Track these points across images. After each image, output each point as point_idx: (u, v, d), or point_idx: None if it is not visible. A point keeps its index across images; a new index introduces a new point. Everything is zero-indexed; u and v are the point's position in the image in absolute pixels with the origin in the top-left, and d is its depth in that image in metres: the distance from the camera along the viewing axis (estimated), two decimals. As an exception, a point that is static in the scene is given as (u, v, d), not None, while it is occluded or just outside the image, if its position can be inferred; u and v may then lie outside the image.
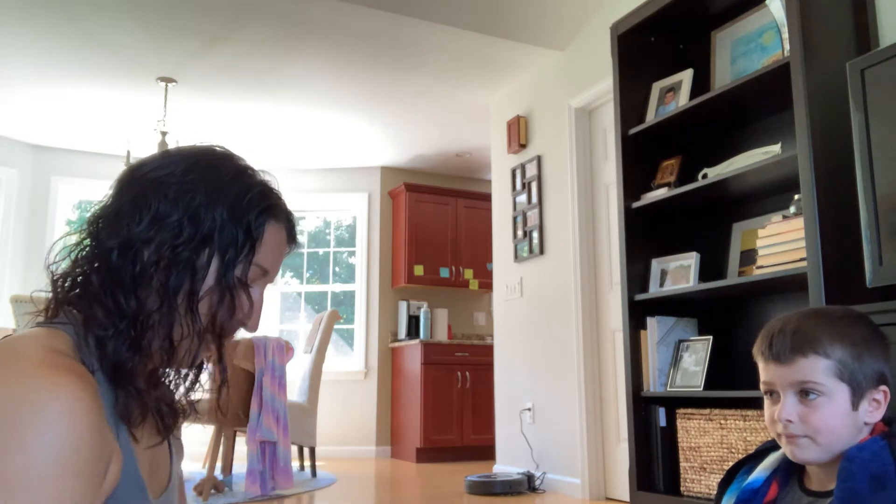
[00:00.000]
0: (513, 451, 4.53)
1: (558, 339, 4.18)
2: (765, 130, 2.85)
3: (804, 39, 2.33)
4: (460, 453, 5.87)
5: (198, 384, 0.92)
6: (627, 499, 3.01)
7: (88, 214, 0.86)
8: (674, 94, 3.03)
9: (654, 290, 2.95)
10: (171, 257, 0.82)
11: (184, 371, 0.90)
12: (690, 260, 2.88)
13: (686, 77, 3.01)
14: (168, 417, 0.90)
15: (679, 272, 2.91)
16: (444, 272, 6.46)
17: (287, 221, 0.93)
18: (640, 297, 2.96)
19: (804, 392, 1.14)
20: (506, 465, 4.57)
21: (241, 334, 4.22)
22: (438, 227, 6.51)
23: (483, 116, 5.37)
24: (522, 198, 4.66)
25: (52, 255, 0.85)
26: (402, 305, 6.41)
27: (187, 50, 4.35)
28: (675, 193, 2.85)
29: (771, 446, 1.26)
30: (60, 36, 4.16)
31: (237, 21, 4.02)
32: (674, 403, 2.85)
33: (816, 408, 1.13)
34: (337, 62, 4.52)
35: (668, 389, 2.85)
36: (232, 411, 4.02)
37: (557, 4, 4.05)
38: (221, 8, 3.89)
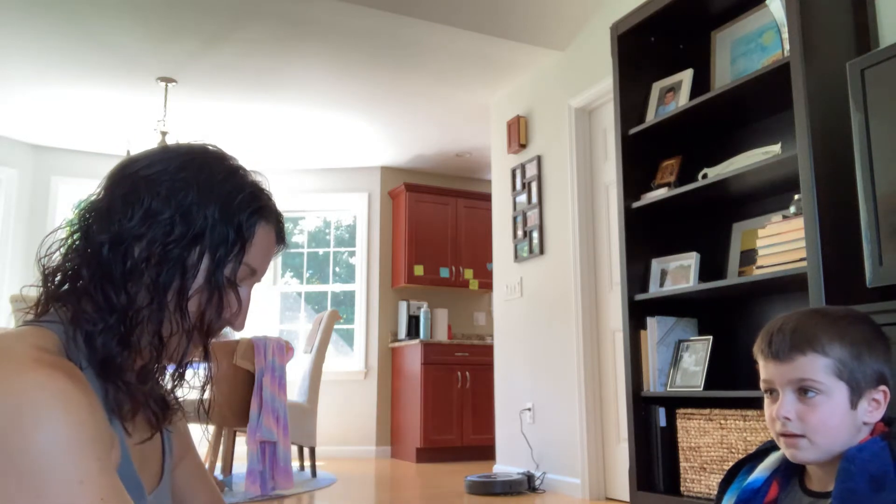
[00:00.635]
0: (513, 451, 4.53)
1: (558, 339, 4.18)
2: (765, 130, 2.85)
3: (804, 39, 2.33)
4: (460, 453, 5.87)
5: (184, 381, 0.92)
6: (627, 499, 3.01)
7: (79, 209, 0.87)
8: (674, 94, 3.03)
9: (654, 290, 2.95)
10: (162, 254, 0.82)
11: (172, 368, 0.90)
12: (690, 260, 2.88)
13: (686, 77, 3.01)
14: (158, 413, 0.91)
15: (679, 272, 2.91)
16: (444, 272, 6.46)
17: (277, 222, 0.94)
18: (640, 297, 2.95)
19: (803, 390, 1.14)
20: (506, 465, 4.57)
21: (240, 334, 4.20)
22: (438, 227, 6.51)
23: (483, 116, 5.37)
24: (522, 198, 4.66)
25: (43, 249, 0.85)
26: (402, 305, 6.41)
27: (187, 50, 4.35)
28: (675, 193, 2.85)
29: (771, 446, 1.26)
30: (60, 36, 4.16)
31: (237, 21, 4.02)
32: (674, 403, 2.85)
33: (815, 406, 1.13)
34: (337, 62, 4.52)
35: (668, 389, 2.85)
36: (219, 411, 4.01)
37: (557, 4, 4.05)
38: (221, 8, 3.89)
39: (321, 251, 6.92)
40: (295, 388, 5.08)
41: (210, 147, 0.92)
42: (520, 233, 4.64)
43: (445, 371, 5.91)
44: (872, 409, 1.15)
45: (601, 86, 3.94)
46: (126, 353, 0.82)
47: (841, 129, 2.26)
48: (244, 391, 4.07)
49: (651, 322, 2.92)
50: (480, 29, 4.15)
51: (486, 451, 5.66)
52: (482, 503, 3.80)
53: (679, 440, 2.77)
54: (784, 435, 1.16)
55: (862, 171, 2.07)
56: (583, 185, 4.12)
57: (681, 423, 2.76)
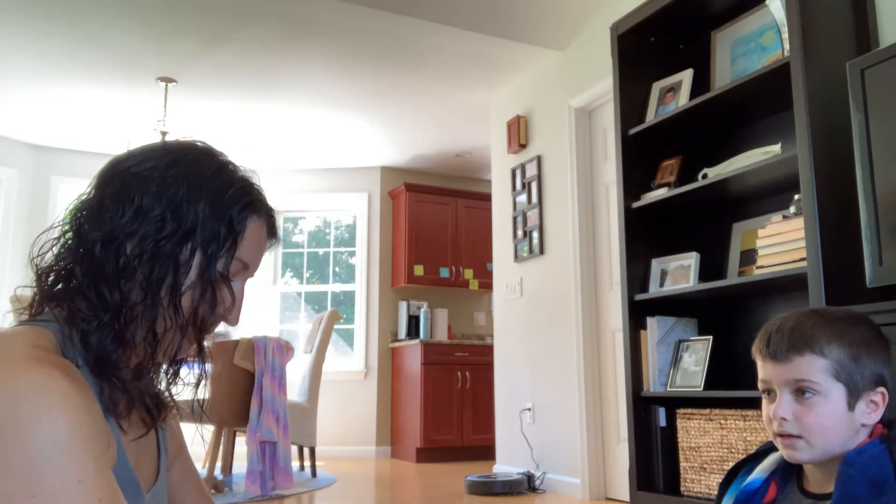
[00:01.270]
0: (513, 451, 4.53)
1: (558, 339, 4.18)
2: (765, 130, 2.85)
3: (804, 39, 2.33)
4: (460, 453, 5.87)
5: (178, 378, 0.93)
6: (627, 499, 3.01)
7: (70, 208, 0.87)
8: (674, 94, 3.03)
9: (654, 290, 2.95)
10: (154, 251, 0.83)
11: (166, 365, 0.90)
12: (690, 260, 2.88)
13: (686, 77, 3.01)
14: (153, 410, 0.91)
15: (679, 272, 2.91)
16: (444, 272, 6.46)
17: (268, 217, 0.94)
18: (640, 297, 2.95)
19: (800, 391, 1.13)
20: (506, 465, 4.57)
21: (240, 334, 4.20)
22: (438, 227, 6.51)
23: (483, 116, 5.37)
24: (522, 198, 4.66)
25: (35, 248, 0.85)
26: (402, 305, 6.41)
27: (187, 50, 4.35)
28: (675, 193, 2.85)
29: (770, 447, 1.26)
30: (60, 36, 4.16)
31: (237, 21, 4.02)
32: (674, 403, 2.85)
33: (812, 407, 1.12)
34: (337, 62, 4.52)
35: (668, 389, 2.85)
36: (219, 411, 4.01)
37: (557, 4, 4.05)
38: (221, 8, 3.89)
39: (321, 251, 6.92)
40: (295, 388, 5.08)
41: (199, 144, 0.92)
42: (520, 233, 4.64)
43: (445, 371, 5.91)
44: (870, 411, 1.14)
45: (601, 86, 3.94)
46: (121, 350, 0.82)
47: (841, 129, 2.26)
48: (244, 391, 4.07)
49: (651, 322, 2.92)
50: (480, 29, 4.15)
51: (486, 451, 5.66)
52: (482, 503, 3.80)
53: (679, 440, 2.77)
54: (781, 435, 1.16)
55: (862, 171, 2.07)
56: (583, 185, 4.12)
57: (681, 423, 2.76)
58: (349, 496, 4.15)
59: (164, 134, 4.77)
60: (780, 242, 2.45)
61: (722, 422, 2.60)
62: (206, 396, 4.01)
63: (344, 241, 6.94)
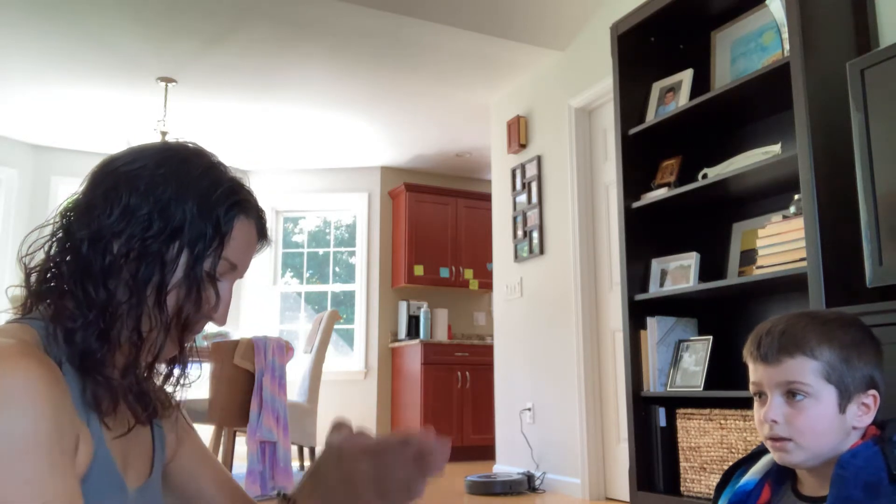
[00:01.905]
0: (513, 451, 4.53)
1: (558, 339, 4.18)
2: (765, 130, 2.85)
3: (804, 39, 2.33)
4: (460, 453, 5.87)
5: (171, 376, 0.93)
6: (627, 499, 3.01)
7: (61, 207, 0.88)
8: (674, 94, 3.03)
9: (654, 290, 2.95)
10: (141, 250, 0.83)
11: (151, 363, 0.90)
12: (690, 260, 2.88)
13: (686, 77, 3.01)
14: (141, 406, 0.90)
15: (679, 272, 2.91)
16: (444, 272, 6.46)
17: (257, 218, 0.94)
18: (640, 297, 2.95)
19: (791, 393, 1.13)
20: (506, 465, 4.57)
21: (240, 334, 4.20)
22: (438, 227, 6.51)
23: (483, 116, 5.37)
24: (522, 198, 4.65)
25: (24, 247, 0.86)
26: (402, 305, 6.41)
27: (187, 50, 4.35)
28: (675, 193, 2.85)
29: (764, 448, 1.26)
30: (60, 36, 4.16)
31: (237, 21, 4.02)
32: (674, 403, 2.85)
33: (802, 409, 1.12)
34: (337, 62, 4.52)
35: (668, 389, 2.85)
36: (219, 411, 4.01)
37: (557, 4, 4.05)
38: (221, 8, 3.89)
39: (321, 251, 6.91)
40: (295, 388, 5.08)
41: (189, 144, 0.93)
42: (520, 233, 4.64)
43: (445, 371, 5.91)
44: (862, 414, 1.14)
45: (601, 86, 3.94)
46: (105, 349, 0.82)
47: (841, 129, 2.26)
48: (244, 391, 4.06)
49: (651, 322, 2.92)
50: (480, 29, 4.15)
51: (486, 451, 5.66)
52: (482, 503, 3.80)
53: (679, 440, 2.77)
54: (772, 438, 1.15)
55: (862, 171, 2.07)
56: (583, 185, 4.12)
57: (681, 423, 2.76)
58: (349, 496, 4.14)
59: (163, 134, 4.77)
60: (780, 242, 2.45)
61: (722, 422, 2.60)
62: (202, 396, 4.01)
63: (344, 241, 6.94)
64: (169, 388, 0.94)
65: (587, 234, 4.07)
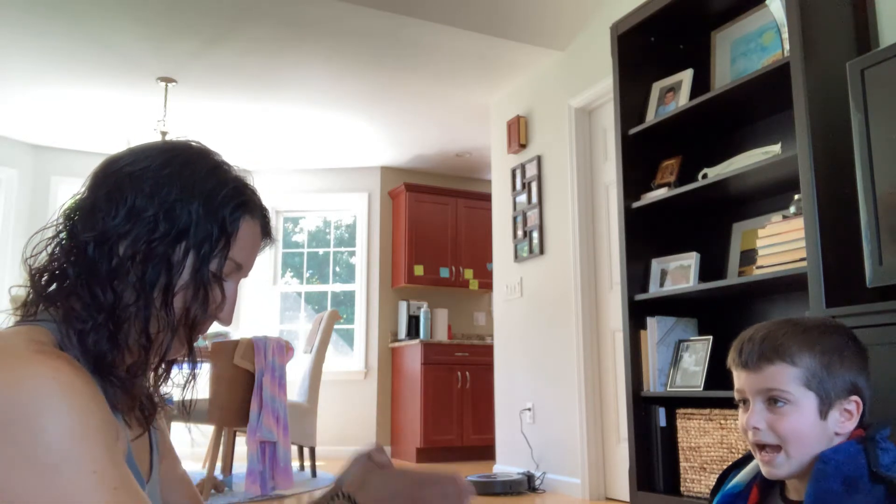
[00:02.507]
0: (513, 451, 4.53)
1: (558, 339, 4.18)
2: (765, 130, 2.85)
3: (804, 39, 2.33)
4: (460, 453, 5.87)
5: (168, 378, 0.93)
6: (627, 499, 3.01)
7: (64, 208, 0.87)
8: (674, 94, 3.03)
9: (654, 290, 2.95)
10: (147, 251, 0.83)
11: (159, 364, 0.90)
12: (690, 260, 2.88)
13: (686, 77, 3.01)
14: (148, 410, 0.91)
15: (679, 272, 2.91)
16: (444, 272, 6.46)
17: (262, 217, 0.94)
18: (640, 297, 2.95)
19: (772, 399, 1.13)
20: (506, 465, 4.57)
21: (240, 334, 4.20)
22: (438, 227, 6.51)
23: (483, 116, 5.37)
24: (522, 198, 4.65)
25: (29, 249, 0.85)
26: (402, 305, 6.41)
27: (187, 50, 4.35)
28: (675, 193, 2.85)
29: None
30: (60, 36, 4.16)
31: (237, 21, 4.02)
32: (674, 403, 2.85)
33: (783, 415, 1.12)
34: (337, 62, 4.52)
35: (668, 389, 2.85)
36: (219, 411, 4.01)
37: (557, 4, 4.05)
38: (221, 8, 3.89)
39: (321, 251, 6.91)
40: (295, 388, 5.08)
41: (193, 143, 0.92)
42: (520, 233, 4.64)
43: (445, 371, 5.91)
44: (844, 420, 1.14)
45: (601, 86, 3.94)
46: (116, 351, 0.82)
47: (841, 129, 2.26)
48: (244, 391, 4.06)
49: (651, 322, 2.92)
50: (480, 29, 4.15)
51: (486, 451, 5.66)
52: (482, 503, 3.80)
53: (679, 440, 2.77)
54: (758, 445, 1.16)
55: (862, 171, 2.07)
56: (583, 185, 4.12)
57: (681, 423, 2.76)
58: (349, 496, 4.14)
59: (164, 134, 4.77)
60: (780, 242, 2.45)
61: (722, 422, 2.60)
62: (196, 396, 4.00)
63: (344, 241, 6.94)
64: (176, 389, 0.94)
65: (587, 234, 4.07)
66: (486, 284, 6.41)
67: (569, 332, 4.08)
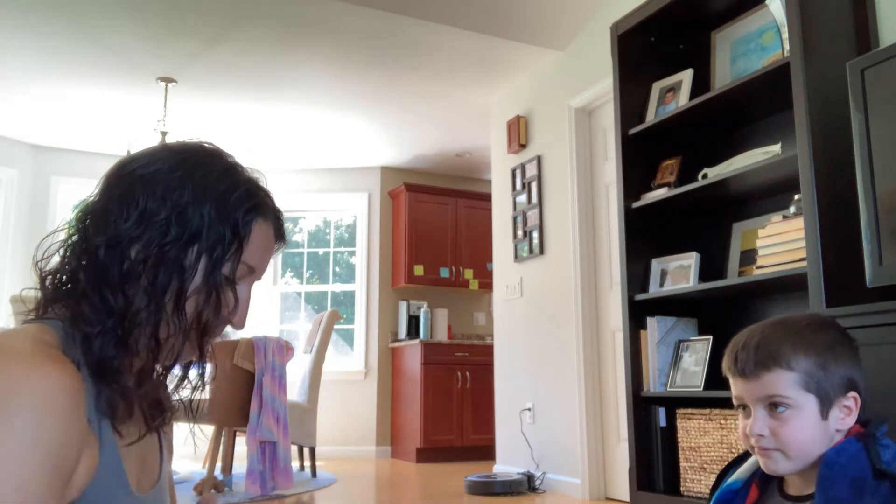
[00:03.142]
0: (513, 451, 4.53)
1: (558, 339, 4.18)
2: (765, 130, 2.85)
3: (804, 39, 2.33)
4: (460, 453, 5.87)
5: (186, 381, 0.92)
6: (627, 499, 3.01)
7: (76, 211, 0.86)
8: (674, 94, 3.03)
9: (654, 290, 2.95)
10: (159, 256, 0.82)
11: (167, 368, 0.90)
12: (690, 260, 2.88)
13: (686, 77, 3.01)
14: (155, 414, 0.90)
15: (679, 272, 2.91)
16: (444, 272, 6.46)
17: (275, 219, 0.93)
18: (640, 297, 2.95)
19: (773, 405, 1.13)
20: (506, 465, 4.57)
21: (240, 334, 4.19)
22: (438, 227, 6.51)
23: (483, 116, 5.37)
24: (522, 198, 4.66)
25: (39, 252, 0.85)
26: (402, 305, 6.41)
27: (187, 50, 4.35)
28: (675, 193, 2.85)
29: None
30: (60, 36, 4.16)
31: (237, 21, 4.02)
32: (674, 403, 2.85)
33: (786, 420, 1.12)
34: (337, 62, 4.52)
35: (668, 389, 2.85)
36: (219, 411, 4.01)
37: (557, 4, 4.05)
38: (221, 8, 3.89)
39: (321, 251, 6.92)
40: (295, 388, 5.08)
41: (206, 145, 0.91)
42: (520, 233, 4.64)
43: (445, 371, 5.91)
44: (844, 416, 1.14)
45: (601, 86, 3.94)
46: (123, 356, 0.81)
47: (841, 129, 2.26)
48: (244, 391, 4.06)
49: (651, 322, 2.92)
50: (480, 29, 4.15)
51: (486, 451, 5.66)
52: (482, 503, 3.80)
53: (679, 440, 2.77)
54: (759, 447, 1.16)
55: (862, 171, 2.07)
56: (583, 185, 4.12)
57: (681, 423, 2.76)
58: (349, 496, 4.15)
59: (164, 134, 4.77)
60: (780, 242, 2.45)
61: (722, 422, 2.60)
62: (204, 396, 4.00)
63: (344, 241, 6.94)
64: (185, 391, 0.93)
65: (587, 234, 4.07)
66: (486, 284, 6.41)
67: (569, 332, 4.08)
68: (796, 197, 2.42)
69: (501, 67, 4.63)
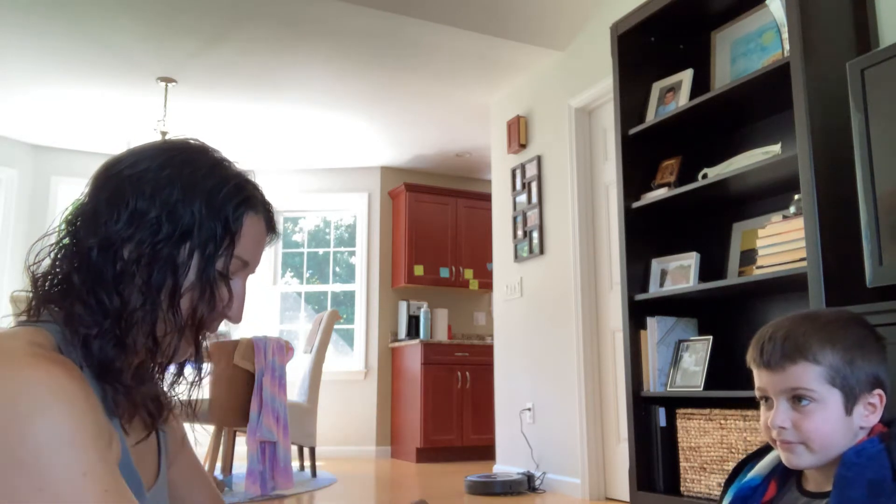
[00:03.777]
0: (513, 451, 4.53)
1: (558, 339, 4.18)
2: (765, 130, 2.85)
3: (804, 39, 2.33)
4: (460, 453, 5.87)
5: (181, 378, 0.92)
6: (627, 499, 3.01)
7: (66, 213, 0.86)
8: (674, 94, 3.03)
9: (654, 290, 2.95)
10: (152, 254, 0.82)
11: (166, 366, 0.90)
12: (690, 260, 2.88)
13: (686, 77, 3.01)
14: (154, 412, 0.91)
15: (679, 272, 2.91)
16: (444, 272, 6.46)
17: (265, 212, 0.93)
18: (640, 297, 2.95)
19: (796, 398, 1.13)
20: (506, 465, 4.57)
21: (240, 334, 4.19)
22: (438, 227, 6.51)
23: (483, 116, 5.37)
24: (522, 198, 4.66)
25: (31, 255, 0.85)
26: (402, 305, 6.41)
27: (187, 50, 4.35)
28: (675, 193, 2.85)
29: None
30: (60, 36, 4.16)
31: (237, 21, 4.02)
32: (674, 403, 2.85)
33: (809, 414, 1.12)
34: (337, 62, 4.52)
35: (668, 389, 2.85)
36: (219, 411, 4.01)
37: (557, 4, 4.05)
38: (221, 8, 3.89)
39: (321, 251, 6.92)
40: (295, 388, 5.08)
41: (192, 141, 0.91)
42: (520, 233, 4.64)
43: (445, 371, 5.91)
44: (868, 414, 1.13)
45: (601, 86, 3.94)
46: (123, 356, 0.82)
47: (841, 129, 2.26)
48: (244, 391, 4.07)
49: (651, 322, 2.92)
50: (480, 29, 4.15)
51: (486, 451, 5.66)
52: (482, 503, 3.80)
53: (679, 440, 2.77)
54: (781, 440, 1.15)
55: (862, 171, 2.07)
56: (583, 185, 4.12)
57: (681, 423, 2.76)
58: (349, 496, 4.15)
59: (163, 134, 4.77)
60: (780, 242, 2.45)
61: (722, 422, 2.60)
62: (203, 396, 4.02)
63: (344, 241, 6.94)
64: (181, 388, 0.93)
65: (587, 234, 4.07)
66: (486, 284, 6.41)
67: (569, 332, 4.08)
68: (796, 197, 2.42)
69: (501, 67, 4.63)
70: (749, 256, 2.79)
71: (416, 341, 5.96)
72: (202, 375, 0.92)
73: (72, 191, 6.21)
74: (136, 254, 0.82)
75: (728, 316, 2.93)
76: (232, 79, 4.75)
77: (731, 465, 2.51)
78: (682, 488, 2.74)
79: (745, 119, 2.90)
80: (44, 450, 0.67)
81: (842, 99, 2.26)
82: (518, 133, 4.70)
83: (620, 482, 3.66)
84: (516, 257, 4.65)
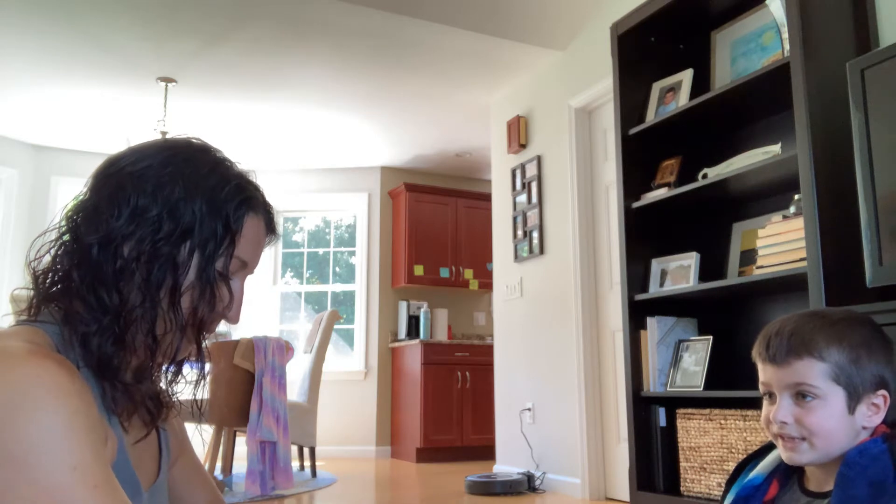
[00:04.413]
0: (513, 451, 4.53)
1: (558, 339, 4.18)
2: (765, 130, 2.85)
3: (804, 39, 2.33)
4: (460, 453, 5.87)
5: (180, 376, 0.92)
6: (627, 499, 3.01)
7: (66, 210, 0.86)
8: (674, 94, 3.03)
9: (654, 290, 2.95)
10: (152, 252, 0.82)
11: (166, 365, 0.90)
12: (690, 260, 2.88)
13: (686, 77, 3.01)
14: (154, 411, 0.91)
15: (679, 272, 2.91)
16: (444, 272, 6.46)
17: (265, 213, 0.93)
18: (640, 297, 2.95)
19: (800, 394, 1.13)
20: (506, 465, 4.57)
21: (240, 334, 4.19)
22: (438, 227, 6.51)
23: (483, 116, 5.37)
24: (522, 198, 4.66)
25: (32, 252, 0.85)
26: (402, 305, 6.41)
27: (187, 50, 4.35)
28: (675, 193, 2.85)
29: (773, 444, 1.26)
30: (60, 36, 4.16)
31: (237, 21, 4.02)
32: (674, 403, 2.85)
33: (811, 410, 1.12)
34: (337, 62, 4.52)
35: (668, 389, 2.85)
36: (219, 411, 4.01)
37: (557, 4, 4.05)
38: (221, 8, 3.89)
39: (321, 251, 6.92)
40: (295, 388, 5.08)
41: (194, 140, 0.91)
42: (520, 233, 4.64)
43: (445, 371, 5.91)
44: (871, 414, 1.13)
45: (601, 86, 3.94)
46: (122, 354, 0.82)
47: (841, 129, 2.26)
48: (244, 391, 4.07)
49: (651, 322, 2.92)
50: (480, 29, 4.15)
51: (486, 451, 5.66)
52: (482, 503, 3.80)
53: (679, 440, 2.77)
54: (782, 436, 1.16)
55: (862, 171, 2.07)
56: (583, 185, 4.12)
57: (681, 423, 2.76)
58: (349, 496, 4.15)
59: (164, 134, 4.76)
60: (780, 242, 2.45)
61: (722, 422, 2.60)
62: (205, 396, 4.01)
63: (344, 241, 6.94)
64: (180, 387, 0.93)
65: (587, 234, 4.07)
66: (486, 284, 6.41)
67: (569, 332, 4.08)
68: (796, 197, 2.42)
69: (501, 67, 4.63)
70: (749, 256, 2.79)
71: (416, 341, 5.96)
72: (204, 374, 0.92)
73: (72, 191, 6.21)
74: (137, 251, 0.82)
75: (728, 316, 2.93)
76: (232, 79, 4.75)
77: (731, 465, 2.51)
78: (682, 488, 2.74)
79: (745, 119, 2.90)
80: (36, 444, 0.67)
81: (842, 99, 2.26)
82: (518, 133, 4.70)
83: (620, 482, 3.66)
84: (516, 257, 4.65)
